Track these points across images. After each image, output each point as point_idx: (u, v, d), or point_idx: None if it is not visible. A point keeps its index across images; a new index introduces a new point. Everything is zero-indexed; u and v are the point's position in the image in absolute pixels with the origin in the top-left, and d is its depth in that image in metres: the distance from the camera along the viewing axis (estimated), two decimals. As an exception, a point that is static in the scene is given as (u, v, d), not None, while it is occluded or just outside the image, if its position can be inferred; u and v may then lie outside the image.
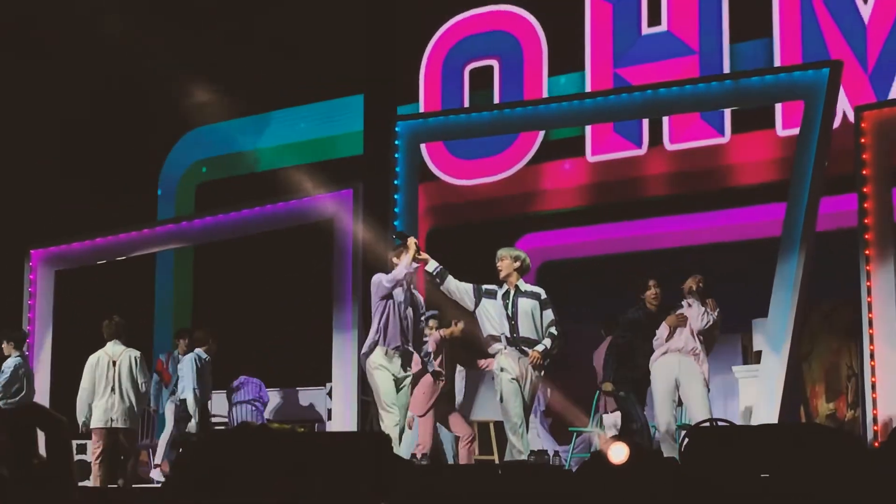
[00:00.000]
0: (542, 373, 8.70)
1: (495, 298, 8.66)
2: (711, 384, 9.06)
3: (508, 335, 8.54)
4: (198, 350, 11.03)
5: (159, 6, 13.99)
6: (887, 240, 8.81)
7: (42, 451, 4.72)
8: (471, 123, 10.98)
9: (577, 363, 10.45)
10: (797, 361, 9.39)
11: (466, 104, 12.35)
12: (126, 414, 9.98)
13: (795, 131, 9.61)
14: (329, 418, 11.37)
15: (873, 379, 8.68)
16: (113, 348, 10.12)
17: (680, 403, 8.93)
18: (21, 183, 14.25)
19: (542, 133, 11.89)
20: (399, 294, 8.74)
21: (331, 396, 10.83)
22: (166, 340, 13.60)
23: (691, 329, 8.88)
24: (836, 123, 10.01)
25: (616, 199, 12.27)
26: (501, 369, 8.51)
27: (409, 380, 8.85)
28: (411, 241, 8.76)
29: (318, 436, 8.89)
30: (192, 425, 10.78)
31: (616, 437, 7.66)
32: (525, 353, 8.49)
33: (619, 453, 5.67)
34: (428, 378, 9.25)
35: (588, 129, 11.86)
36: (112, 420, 9.91)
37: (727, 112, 11.20)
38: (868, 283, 8.79)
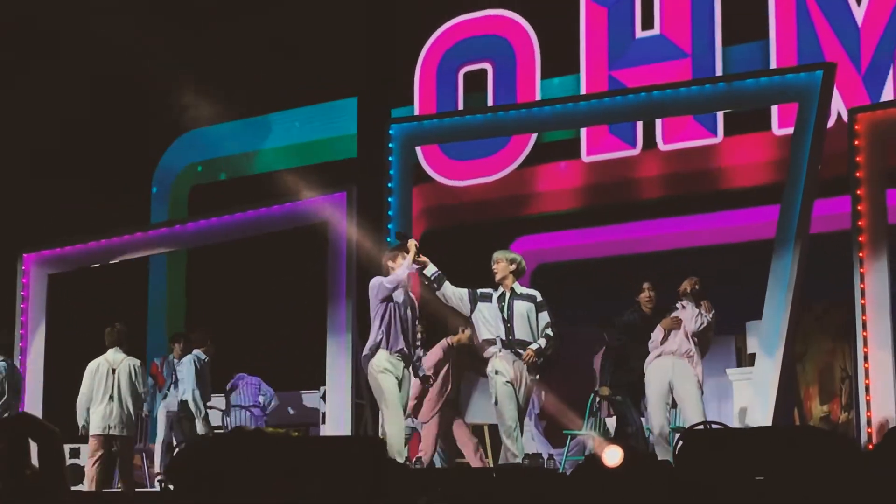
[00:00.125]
0: (538, 376, 8.70)
1: (491, 301, 8.66)
2: (705, 387, 9.06)
3: (504, 338, 8.54)
4: (196, 351, 11.01)
5: (156, 6, 13.98)
6: (881, 242, 8.82)
7: (34, 461, 4.73)
8: (465, 126, 11.00)
9: (572, 366, 10.45)
10: (791, 364, 9.39)
11: (460, 107, 12.37)
12: (123, 422, 10.00)
13: (792, 130, 9.62)
14: (323, 421, 11.37)
15: (867, 381, 8.69)
16: (114, 356, 10.14)
17: (674, 406, 8.93)
18: (12, 186, 14.22)
19: (534, 134, 11.91)
20: (399, 296, 8.72)
21: (325, 399, 10.82)
22: (160, 344, 13.57)
23: (685, 331, 8.88)
24: (831, 123, 10.03)
25: (611, 202, 12.29)
26: (496, 372, 8.51)
27: (408, 382, 8.83)
28: (411, 242, 8.74)
29: (313, 440, 8.86)
30: (199, 426, 10.74)
31: (611, 441, 7.67)
32: (520, 357, 8.49)
33: (613, 456, 5.67)
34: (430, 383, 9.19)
35: (583, 129, 11.88)
36: (109, 427, 9.94)
37: (720, 113, 11.23)
38: (862, 286, 8.79)
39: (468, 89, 12.54)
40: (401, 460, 8.30)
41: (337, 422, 10.18)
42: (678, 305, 9.02)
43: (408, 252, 8.69)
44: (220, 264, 13.65)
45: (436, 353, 9.26)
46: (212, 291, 14.16)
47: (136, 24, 12.83)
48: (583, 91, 11.84)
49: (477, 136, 11.32)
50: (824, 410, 11.11)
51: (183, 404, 10.96)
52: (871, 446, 8.30)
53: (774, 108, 10.97)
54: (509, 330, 8.55)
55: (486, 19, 12.63)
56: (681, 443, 6.09)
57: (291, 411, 12.42)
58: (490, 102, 12.24)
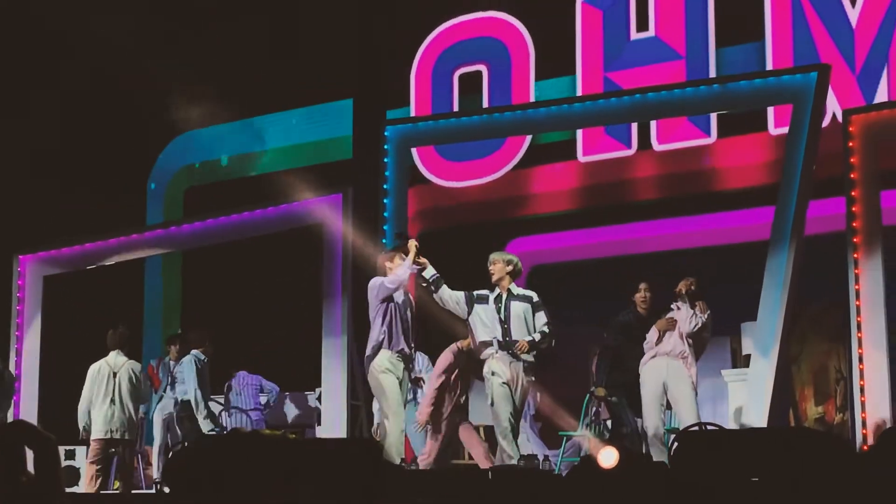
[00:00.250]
0: (534, 377, 8.71)
1: (487, 303, 8.67)
2: (701, 388, 9.07)
3: (500, 338, 8.55)
4: (195, 351, 11.01)
5: (155, 6, 13.98)
6: (875, 243, 8.83)
7: (30, 468, 4.73)
8: (460, 127, 11.00)
9: (568, 367, 10.45)
10: (786, 365, 9.41)
11: (456, 109, 12.38)
12: (125, 425, 10.03)
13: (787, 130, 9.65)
14: (318, 423, 11.36)
15: (862, 382, 8.70)
16: (115, 359, 10.16)
17: (669, 407, 8.94)
18: (7, 187, 14.21)
19: (529, 136, 11.93)
20: (399, 296, 8.73)
21: (320, 401, 10.81)
22: (156, 346, 13.57)
23: (680, 332, 8.89)
24: (825, 123, 10.05)
25: (606, 203, 12.30)
26: (492, 373, 8.52)
27: (407, 383, 8.83)
28: (412, 243, 8.75)
29: (310, 442, 8.86)
30: (203, 423, 10.72)
31: (606, 442, 7.68)
32: (517, 358, 8.50)
33: (608, 458, 5.68)
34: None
35: (579, 130, 11.90)
36: (112, 431, 9.97)
37: (713, 115, 11.26)
38: (856, 287, 8.81)
39: (463, 91, 12.56)
40: (397, 461, 8.31)
41: (332, 423, 10.18)
42: (673, 306, 9.03)
43: (406, 253, 8.70)
44: (215, 266, 13.64)
45: (446, 357, 9.20)
46: (208, 293, 14.15)
47: (136, 23, 12.85)
48: (579, 93, 11.86)
49: (472, 138, 11.33)
50: (819, 411, 11.13)
51: (184, 404, 10.93)
52: (865, 447, 8.32)
53: (770, 108, 11.00)
54: (506, 331, 8.56)
55: (481, 21, 12.66)
56: (676, 444, 6.11)
57: (287, 413, 12.41)
58: (485, 104, 12.25)
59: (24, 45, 14.17)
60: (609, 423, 9.61)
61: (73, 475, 11.06)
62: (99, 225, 12.33)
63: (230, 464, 5.33)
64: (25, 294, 11.96)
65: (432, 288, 8.71)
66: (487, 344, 8.59)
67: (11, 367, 11.61)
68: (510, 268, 8.74)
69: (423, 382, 9.39)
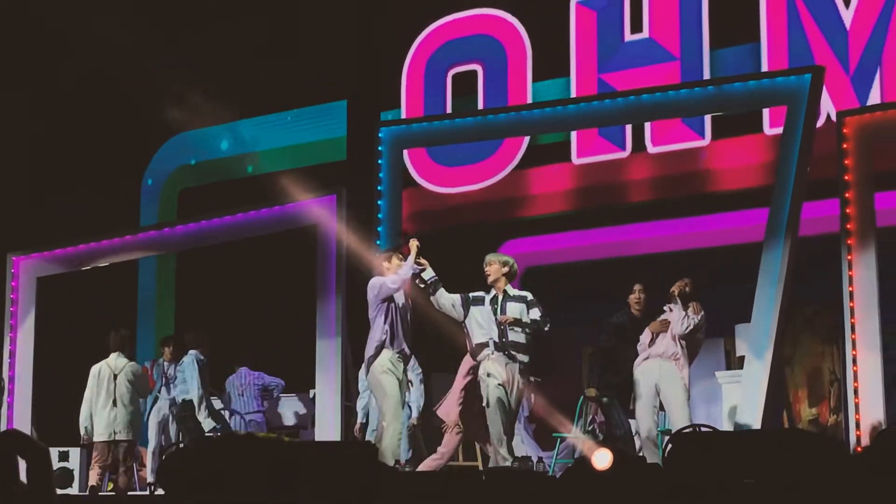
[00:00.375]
0: (531, 378, 8.71)
1: (483, 304, 8.68)
2: (694, 389, 9.08)
3: (496, 340, 8.55)
4: (194, 352, 10.98)
5: (149, 7, 13.97)
6: (869, 245, 8.84)
7: (23, 478, 4.73)
8: (455, 129, 10.97)
9: (562, 368, 10.46)
10: (780, 366, 9.41)
11: (449, 109, 12.35)
12: (128, 426, 10.06)
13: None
14: (313, 425, 11.33)
15: (855, 384, 8.70)
16: (116, 360, 10.17)
17: (662, 409, 8.94)
18: (2, 188, 14.19)
19: (526, 140, 11.90)
20: (399, 296, 8.73)
21: (315, 403, 10.79)
22: (149, 348, 13.55)
23: (672, 334, 8.89)
24: (819, 123, 10.07)
25: (600, 204, 12.30)
26: (488, 374, 8.51)
27: (406, 383, 8.82)
28: (413, 242, 8.75)
29: (305, 445, 8.85)
30: (208, 422, 10.69)
31: (600, 444, 7.67)
32: (513, 359, 8.51)
33: (602, 459, 5.68)
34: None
35: (573, 132, 11.90)
36: (115, 433, 10.01)
37: (707, 116, 11.27)
38: (850, 288, 8.81)
39: (457, 91, 12.51)
40: (391, 462, 8.30)
41: (327, 425, 10.16)
42: (666, 308, 9.03)
43: (403, 252, 8.71)
44: (209, 267, 13.63)
45: (468, 360, 9.19)
46: (201, 294, 14.13)
47: (135, 24, 12.83)
48: (573, 94, 11.85)
49: (466, 140, 11.31)
50: (813, 413, 11.14)
51: (185, 404, 10.89)
52: (859, 449, 8.33)
53: (766, 109, 11.01)
54: (502, 332, 8.56)
55: (475, 18, 12.53)
56: (670, 445, 6.11)
57: (282, 414, 12.38)
58: (480, 105, 12.21)
59: (24, 45, 14.16)
60: (603, 425, 9.61)
61: (67, 477, 11.03)
62: (93, 226, 12.31)
63: (225, 466, 5.32)
64: (19, 295, 11.93)
65: (430, 290, 8.70)
66: (483, 346, 8.59)
67: (4, 370, 11.58)
68: (506, 269, 8.76)
69: (411, 384, 9.37)
